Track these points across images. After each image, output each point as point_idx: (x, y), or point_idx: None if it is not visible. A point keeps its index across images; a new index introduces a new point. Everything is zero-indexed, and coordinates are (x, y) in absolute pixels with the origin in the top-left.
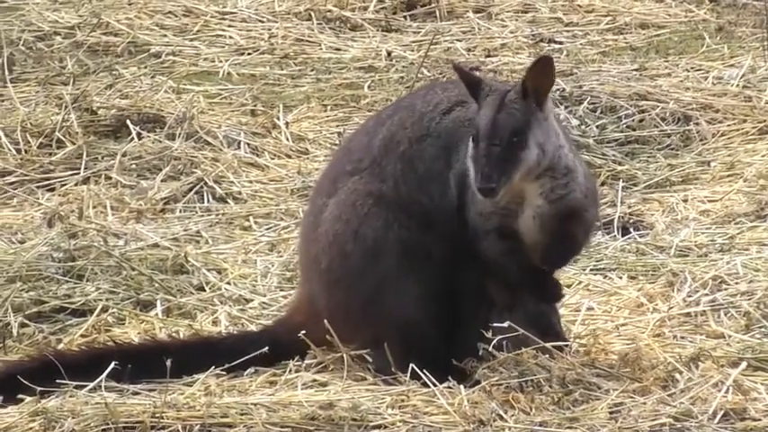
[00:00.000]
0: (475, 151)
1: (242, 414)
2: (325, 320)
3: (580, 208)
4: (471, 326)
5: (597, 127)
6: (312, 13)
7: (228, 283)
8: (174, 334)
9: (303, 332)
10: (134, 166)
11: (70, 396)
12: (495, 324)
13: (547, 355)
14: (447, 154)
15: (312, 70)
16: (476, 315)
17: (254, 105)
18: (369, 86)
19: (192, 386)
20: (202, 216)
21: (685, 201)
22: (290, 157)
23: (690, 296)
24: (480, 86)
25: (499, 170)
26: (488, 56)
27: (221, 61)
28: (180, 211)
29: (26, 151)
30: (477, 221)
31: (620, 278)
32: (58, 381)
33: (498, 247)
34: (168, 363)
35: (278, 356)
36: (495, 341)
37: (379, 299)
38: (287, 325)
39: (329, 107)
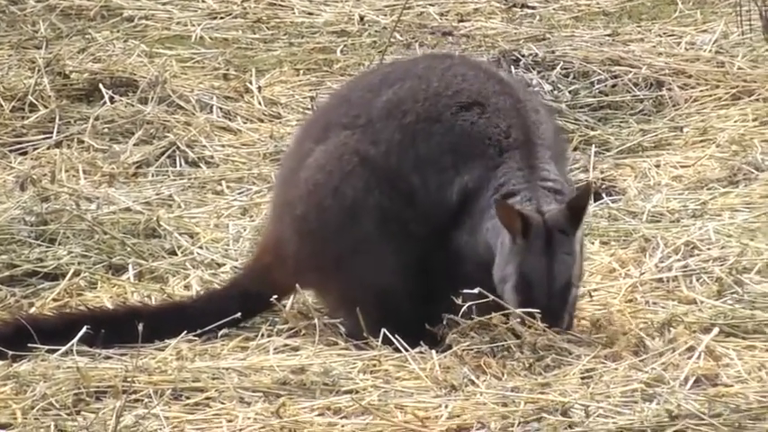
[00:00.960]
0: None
1: (213, 378)
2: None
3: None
4: (443, 293)
5: (570, 92)
6: None
7: (200, 248)
8: (145, 298)
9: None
10: (106, 129)
11: (42, 360)
12: (465, 291)
13: (518, 320)
14: (456, 157)
15: (285, 34)
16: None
17: (227, 69)
18: (341, 51)
19: (163, 351)
20: (175, 180)
21: (658, 166)
22: (262, 121)
23: (662, 262)
24: (531, 225)
25: (556, 325)
26: (461, 20)
27: (194, 25)
28: (152, 176)
29: None
30: (467, 250)
31: (593, 244)
32: (29, 345)
33: (480, 276)
34: (140, 327)
35: (249, 309)
36: (464, 308)
37: (354, 260)
38: (254, 271)
39: (302, 71)
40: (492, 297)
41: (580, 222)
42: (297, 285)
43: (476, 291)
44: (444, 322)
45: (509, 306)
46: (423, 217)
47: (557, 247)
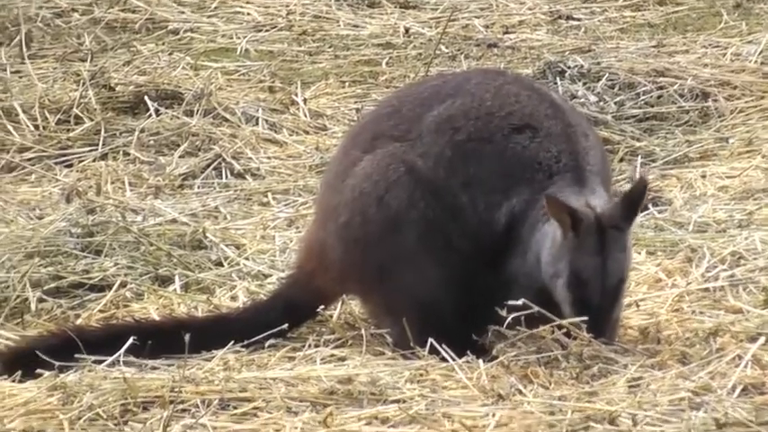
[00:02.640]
0: (575, 298)
1: (261, 389)
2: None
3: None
4: (488, 308)
5: (615, 103)
6: None
7: (247, 259)
8: (192, 310)
9: (320, 306)
10: (152, 142)
11: (89, 371)
12: (509, 302)
13: (563, 331)
14: (506, 181)
15: (330, 47)
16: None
17: (272, 82)
18: (387, 63)
19: (210, 361)
20: (220, 192)
21: (703, 177)
22: (308, 133)
23: (708, 271)
24: (581, 221)
25: (609, 321)
26: (506, 32)
27: (239, 38)
28: (198, 187)
29: (44, 127)
30: (518, 276)
31: (639, 254)
32: (76, 356)
33: (532, 298)
34: (187, 338)
35: (295, 319)
36: (509, 319)
37: (396, 271)
38: (299, 279)
39: (347, 84)
40: (537, 308)
41: (634, 217)
42: (341, 294)
43: (520, 302)
44: (490, 333)
45: (555, 317)
46: (468, 233)
47: (610, 245)
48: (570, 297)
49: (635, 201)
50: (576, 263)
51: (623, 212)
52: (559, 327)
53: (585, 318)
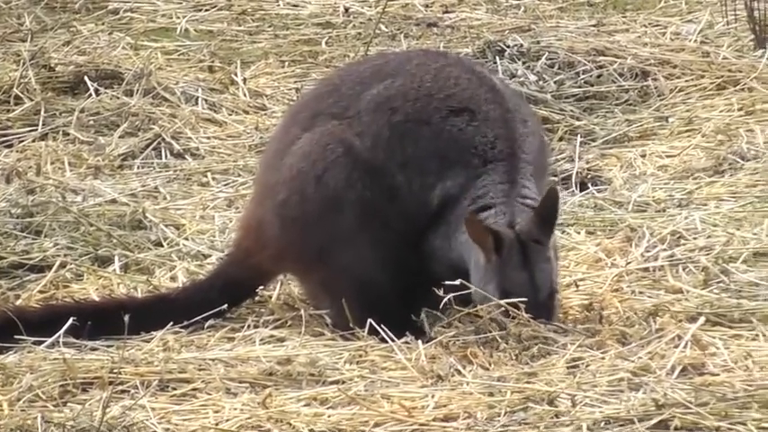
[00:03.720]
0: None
1: (200, 369)
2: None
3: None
4: (424, 287)
5: (555, 83)
6: None
7: (186, 239)
8: (131, 290)
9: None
10: (92, 122)
11: (28, 352)
12: (446, 282)
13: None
14: (442, 163)
15: (270, 26)
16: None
17: (212, 61)
18: (326, 42)
19: (150, 342)
20: (160, 172)
21: (643, 156)
22: (247, 113)
23: (648, 251)
24: (502, 241)
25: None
26: (446, 11)
27: (179, 17)
28: (138, 167)
29: None
30: (439, 253)
31: (579, 233)
32: (16, 337)
33: (451, 278)
34: (126, 319)
35: (235, 298)
36: (445, 299)
37: (334, 251)
38: (236, 257)
39: (287, 63)
40: (473, 288)
41: (552, 229)
42: (279, 272)
43: (457, 282)
44: (423, 315)
45: (493, 297)
46: (403, 214)
47: (534, 259)
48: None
49: (550, 214)
50: (505, 283)
51: (540, 227)
52: (497, 307)
53: (525, 298)
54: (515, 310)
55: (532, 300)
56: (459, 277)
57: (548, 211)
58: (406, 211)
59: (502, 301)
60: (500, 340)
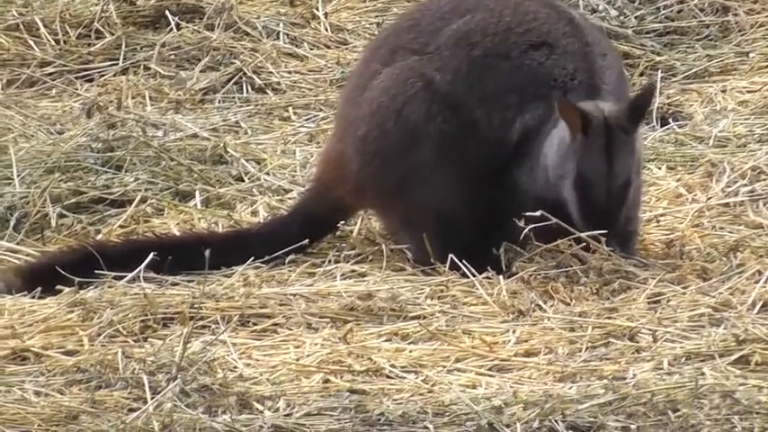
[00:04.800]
0: (582, 198)
1: (281, 305)
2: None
3: None
4: (505, 222)
5: (636, 18)
6: None
7: (267, 174)
8: (212, 225)
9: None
10: (173, 56)
11: (109, 287)
12: (527, 213)
13: (583, 245)
14: (521, 97)
15: None
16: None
17: None
18: None
19: (230, 277)
20: (241, 107)
21: (724, 91)
22: (328, 47)
23: (729, 186)
24: (590, 123)
25: (614, 222)
26: None
27: None
28: (219, 102)
29: (65, 42)
30: (528, 191)
31: (659, 169)
32: (96, 272)
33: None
34: (207, 254)
35: (315, 233)
36: (526, 230)
37: (414, 185)
38: (317, 191)
39: None
40: (555, 220)
41: (641, 121)
42: (360, 207)
43: (538, 213)
44: (502, 249)
45: (573, 230)
46: (483, 148)
47: (616, 145)
48: (576, 197)
49: (641, 105)
50: (583, 163)
51: (630, 116)
52: (578, 240)
53: (605, 231)
54: (596, 243)
55: (605, 186)
56: (549, 211)
57: (640, 103)
58: (486, 146)
59: (583, 234)
60: (581, 274)
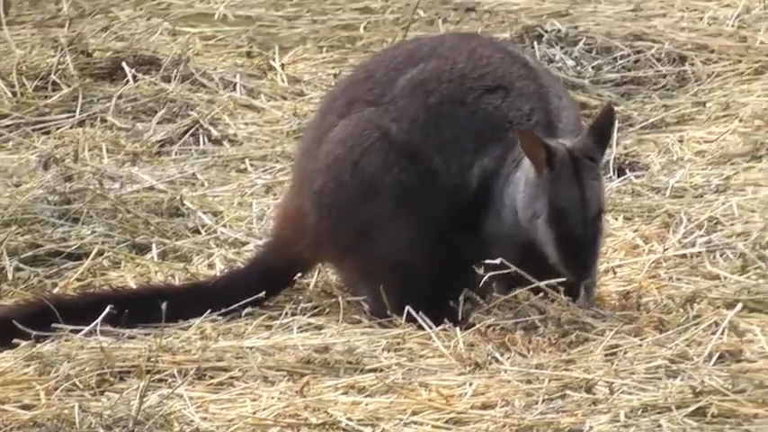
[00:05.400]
0: (559, 232)
1: (238, 358)
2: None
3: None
4: (466, 268)
5: (593, 68)
6: None
7: (224, 226)
8: (169, 278)
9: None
10: (129, 108)
11: (66, 340)
12: (486, 261)
13: (541, 295)
14: (478, 142)
15: (308, 11)
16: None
17: (250, 47)
18: (364, 28)
19: (187, 330)
20: (198, 158)
21: (681, 141)
22: (285, 98)
23: (685, 237)
24: (555, 155)
25: (593, 256)
26: None
27: (217, 3)
28: (175, 154)
29: (22, 94)
30: (496, 235)
31: (616, 219)
32: (53, 325)
33: (513, 257)
34: (164, 307)
35: (272, 287)
36: (486, 277)
37: (372, 237)
38: (275, 246)
39: (325, 49)
40: (513, 268)
41: (606, 145)
42: (318, 261)
43: (497, 261)
44: (461, 299)
45: (532, 279)
46: (441, 197)
47: (585, 174)
48: (553, 233)
49: (604, 130)
50: (555, 196)
51: (594, 142)
52: (536, 290)
53: (563, 279)
54: (554, 292)
55: (581, 216)
56: (518, 257)
57: (602, 128)
58: (445, 194)
59: (541, 283)
60: (539, 324)
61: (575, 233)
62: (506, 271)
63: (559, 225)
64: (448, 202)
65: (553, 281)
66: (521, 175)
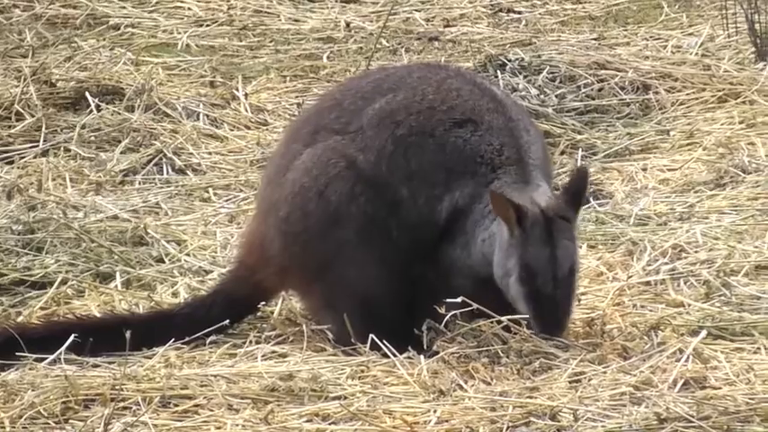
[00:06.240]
0: (528, 290)
1: (202, 386)
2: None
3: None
4: (428, 301)
5: (556, 96)
6: None
7: (188, 255)
8: (133, 306)
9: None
10: (93, 138)
11: (30, 369)
12: (448, 300)
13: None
14: (448, 175)
15: (271, 41)
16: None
17: (213, 77)
18: (328, 57)
19: (151, 358)
20: (162, 188)
21: (645, 170)
22: (249, 128)
23: (649, 265)
24: (526, 216)
25: (565, 314)
26: (447, 26)
27: (180, 33)
28: (139, 183)
29: None
30: (460, 265)
31: (580, 247)
32: (17, 354)
33: (477, 288)
34: (128, 335)
35: (236, 315)
36: (447, 316)
37: (336, 266)
38: (239, 274)
39: (288, 78)
40: (475, 305)
41: (579, 207)
42: (282, 289)
43: (458, 300)
44: (425, 328)
45: (494, 314)
46: (406, 227)
47: (557, 235)
48: (523, 291)
49: (578, 191)
50: (526, 256)
51: (567, 203)
52: (499, 321)
53: (526, 315)
54: (517, 326)
55: (551, 275)
56: (479, 288)
57: (576, 189)
58: (410, 225)
59: (504, 318)
60: (502, 354)
61: (545, 291)
62: (468, 308)
63: (529, 283)
64: (413, 234)
65: (516, 316)
66: (496, 229)
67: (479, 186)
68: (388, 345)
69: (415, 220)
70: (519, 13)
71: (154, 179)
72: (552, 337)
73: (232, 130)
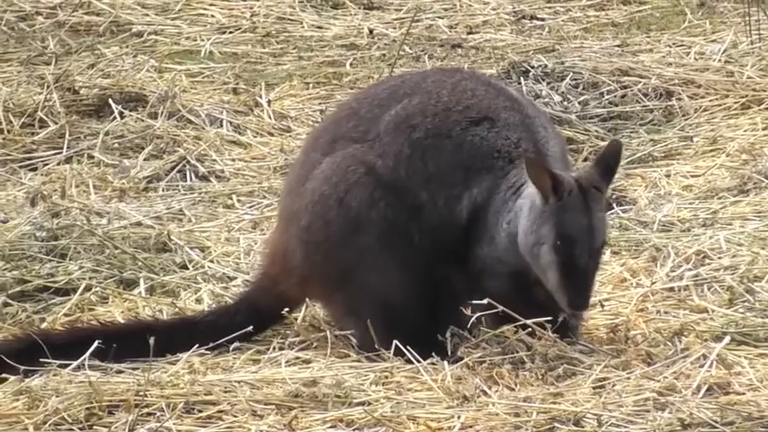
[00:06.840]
0: (564, 259)
1: (226, 392)
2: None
3: None
4: (454, 300)
5: (579, 103)
6: None
7: (212, 261)
8: (157, 313)
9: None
10: (116, 145)
11: (54, 375)
12: (474, 301)
13: (528, 330)
14: (466, 173)
15: (294, 48)
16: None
17: (236, 84)
18: (351, 64)
19: (175, 365)
20: (185, 194)
21: (668, 176)
22: (272, 134)
23: (673, 271)
24: (561, 183)
25: (592, 288)
26: (470, 33)
27: (203, 40)
28: (162, 190)
29: (8, 131)
30: (490, 262)
31: (604, 254)
32: (41, 360)
33: (508, 288)
34: (152, 341)
35: (260, 323)
36: (473, 319)
37: (358, 273)
38: (262, 284)
39: (311, 85)
40: (501, 308)
41: (612, 177)
42: (305, 298)
43: (484, 301)
44: (448, 334)
45: (519, 316)
46: (428, 230)
47: (593, 204)
48: (558, 260)
49: (611, 163)
50: (563, 224)
51: (600, 173)
52: (524, 326)
53: (550, 318)
54: (542, 330)
55: (588, 244)
56: (510, 288)
57: (609, 161)
58: (431, 227)
59: (529, 321)
60: (526, 360)
61: (579, 261)
62: (493, 311)
63: (565, 252)
64: (435, 237)
65: (541, 319)
66: (523, 202)
67: (497, 179)
68: (411, 351)
69: (435, 223)
70: (542, 19)
71: (177, 186)
72: (576, 312)
73: (255, 137)
